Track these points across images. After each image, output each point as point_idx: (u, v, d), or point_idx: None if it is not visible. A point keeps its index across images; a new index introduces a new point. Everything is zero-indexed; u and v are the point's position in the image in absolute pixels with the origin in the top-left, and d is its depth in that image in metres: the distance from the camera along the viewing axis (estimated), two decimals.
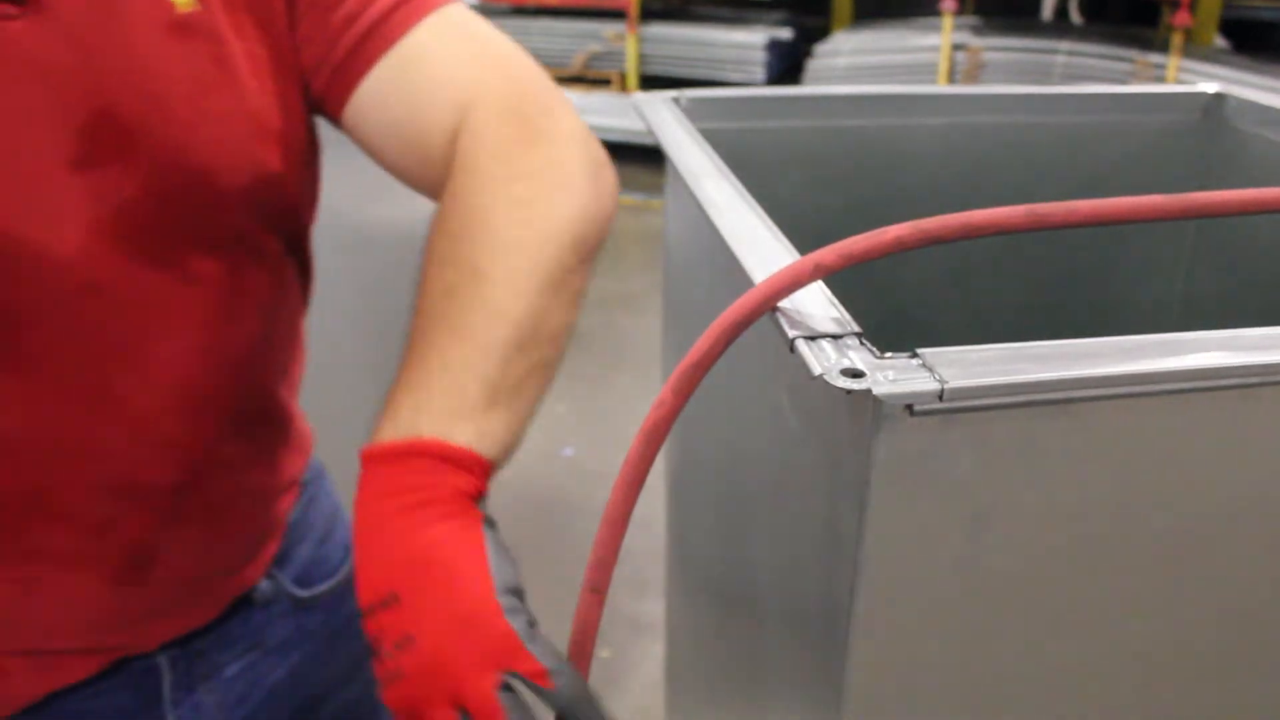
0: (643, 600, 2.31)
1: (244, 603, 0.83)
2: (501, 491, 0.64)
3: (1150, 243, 1.29)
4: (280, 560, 0.86)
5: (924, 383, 0.47)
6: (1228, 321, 0.58)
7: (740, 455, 0.85)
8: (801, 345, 0.51)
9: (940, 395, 0.47)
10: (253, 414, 0.78)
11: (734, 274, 0.64)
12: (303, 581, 0.88)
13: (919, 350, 0.49)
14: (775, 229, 0.69)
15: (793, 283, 0.55)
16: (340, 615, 0.92)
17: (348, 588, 0.91)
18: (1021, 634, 0.58)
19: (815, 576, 0.61)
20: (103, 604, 0.72)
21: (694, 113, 1.10)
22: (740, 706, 0.93)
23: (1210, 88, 1.24)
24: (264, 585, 0.85)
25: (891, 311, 1.25)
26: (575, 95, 6.04)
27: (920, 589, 0.55)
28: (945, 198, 1.25)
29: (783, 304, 0.56)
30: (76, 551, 0.69)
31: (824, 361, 0.49)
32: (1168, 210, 0.59)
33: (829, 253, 0.55)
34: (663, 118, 1.05)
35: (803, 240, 0.65)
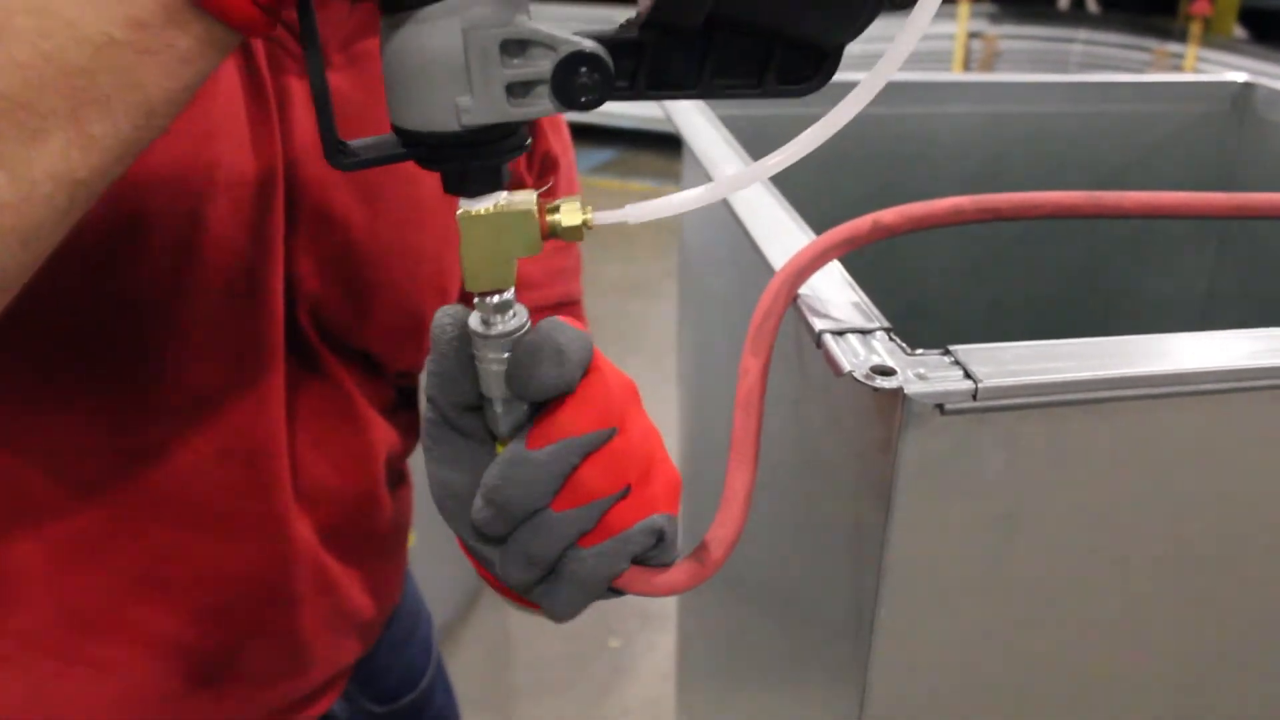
0: None
1: None
2: None
3: (1173, 238, 1.26)
4: (356, 670, 0.76)
5: (957, 381, 0.45)
6: (1251, 319, 0.56)
7: (759, 450, 0.83)
8: (829, 340, 0.49)
9: (974, 394, 0.45)
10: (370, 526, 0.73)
11: (754, 260, 0.62)
12: (382, 696, 0.79)
13: (951, 347, 0.48)
14: (797, 216, 0.68)
15: (850, 238, 0.53)
16: None
17: (429, 698, 0.83)
18: (1050, 637, 0.56)
19: (837, 576, 0.60)
20: (165, 711, 0.64)
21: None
22: (753, 701, 0.92)
23: (1239, 77, 1.22)
24: (338, 709, 0.74)
25: (909, 305, 1.24)
26: None
27: (947, 591, 0.53)
28: (963, 188, 1.23)
29: (805, 294, 0.55)
30: (172, 638, 0.64)
31: (852, 358, 0.47)
32: (1227, 208, 0.58)
33: (889, 212, 0.54)
34: (681, 103, 1.04)
35: (818, 228, 0.64)
